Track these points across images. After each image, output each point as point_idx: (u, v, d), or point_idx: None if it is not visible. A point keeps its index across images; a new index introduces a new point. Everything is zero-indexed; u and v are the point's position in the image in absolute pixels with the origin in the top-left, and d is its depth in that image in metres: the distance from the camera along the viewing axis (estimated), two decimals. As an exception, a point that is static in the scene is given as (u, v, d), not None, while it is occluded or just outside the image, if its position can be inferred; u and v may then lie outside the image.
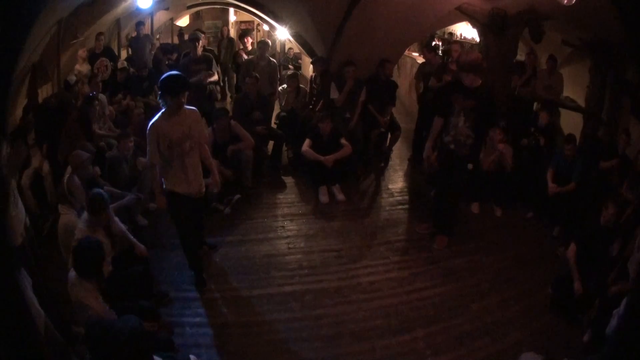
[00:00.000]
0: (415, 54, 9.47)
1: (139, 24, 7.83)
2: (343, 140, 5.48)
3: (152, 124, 3.40)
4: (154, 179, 3.66)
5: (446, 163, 4.32)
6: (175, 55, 8.09)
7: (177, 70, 6.44)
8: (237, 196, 5.14)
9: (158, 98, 3.48)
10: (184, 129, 3.44)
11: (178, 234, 3.85)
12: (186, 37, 8.62)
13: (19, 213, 2.80)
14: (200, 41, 6.09)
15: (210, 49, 8.75)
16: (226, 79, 9.43)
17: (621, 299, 2.90)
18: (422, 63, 7.08)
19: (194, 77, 5.60)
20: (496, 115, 4.83)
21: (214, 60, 6.25)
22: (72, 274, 2.84)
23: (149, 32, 8.34)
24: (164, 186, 3.60)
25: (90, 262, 2.80)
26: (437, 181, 4.65)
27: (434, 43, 9.11)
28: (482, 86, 4.03)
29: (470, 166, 4.19)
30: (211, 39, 12.24)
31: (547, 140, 5.56)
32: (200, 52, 6.02)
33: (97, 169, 4.50)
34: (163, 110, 3.43)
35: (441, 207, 4.62)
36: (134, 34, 8.00)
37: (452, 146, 4.20)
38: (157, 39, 9.35)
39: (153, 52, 8.00)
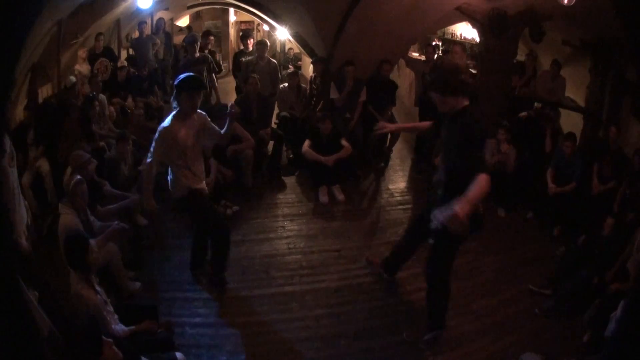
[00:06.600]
0: (416, 54, 9.45)
1: (141, 23, 7.82)
2: (343, 141, 5.48)
3: (166, 128, 3.33)
4: (147, 181, 3.50)
5: None
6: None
7: (178, 72, 6.49)
8: (236, 208, 5.04)
9: (172, 99, 3.44)
10: (195, 132, 3.45)
11: (200, 228, 3.87)
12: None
13: (21, 212, 2.80)
14: (199, 43, 6.18)
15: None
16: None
17: (620, 299, 2.90)
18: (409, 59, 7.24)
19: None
20: None
21: (212, 60, 6.33)
22: None
23: (150, 33, 8.32)
24: (178, 192, 3.55)
25: (72, 254, 2.90)
26: None
27: (434, 43, 9.10)
28: None
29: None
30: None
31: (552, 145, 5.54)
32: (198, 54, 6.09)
33: (94, 161, 4.36)
34: (175, 112, 3.39)
35: None
36: (135, 34, 7.96)
37: None
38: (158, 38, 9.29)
39: (155, 52, 7.98)
